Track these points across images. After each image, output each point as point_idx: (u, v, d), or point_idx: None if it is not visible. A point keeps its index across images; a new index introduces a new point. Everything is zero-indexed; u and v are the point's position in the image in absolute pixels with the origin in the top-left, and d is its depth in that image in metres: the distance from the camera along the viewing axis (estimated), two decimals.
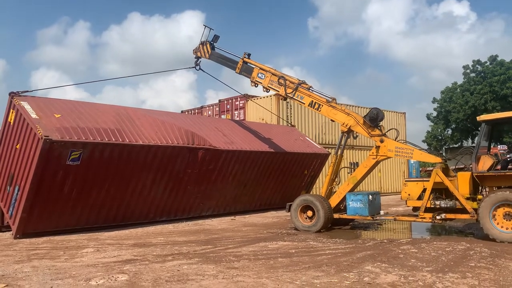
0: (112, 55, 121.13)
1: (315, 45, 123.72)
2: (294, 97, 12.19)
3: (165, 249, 8.91)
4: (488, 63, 45.22)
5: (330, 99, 11.79)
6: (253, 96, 22.97)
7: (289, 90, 12.23)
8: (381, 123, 11.01)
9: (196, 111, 26.03)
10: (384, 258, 7.52)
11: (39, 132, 9.94)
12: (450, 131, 52.81)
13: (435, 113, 52.71)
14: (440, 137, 52.34)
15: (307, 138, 18.71)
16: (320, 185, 21.00)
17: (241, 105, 23.22)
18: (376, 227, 12.35)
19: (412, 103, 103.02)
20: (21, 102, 10.63)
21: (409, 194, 10.39)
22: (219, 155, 13.97)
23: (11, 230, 12.33)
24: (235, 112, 23.31)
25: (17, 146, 10.76)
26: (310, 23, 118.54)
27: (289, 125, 19.66)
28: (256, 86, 13.35)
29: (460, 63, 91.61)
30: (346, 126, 11.28)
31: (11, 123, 10.98)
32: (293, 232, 11.08)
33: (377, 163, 11.06)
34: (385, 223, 12.76)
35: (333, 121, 11.87)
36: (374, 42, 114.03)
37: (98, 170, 11.11)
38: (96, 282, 6.17)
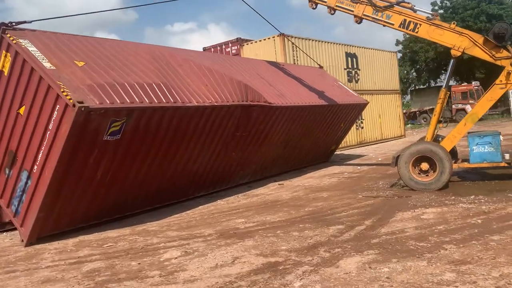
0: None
1: None
2: (377, 18, 9.44)
3: (282, 238, 6.25)
4: None
5: (432, 16, 9.09)
6: (247, 40, 19.75)
7: (369, 9, 9.47)
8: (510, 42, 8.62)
9: None
10: None
11: (65, 94, 6.44)
12: (414, 73, 52.39)
13: (399, 55, 51.72)
14: (405, 80, 51.58)
15: (340, 83, 16.03)
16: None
17: (234, 51, 19.90)
18: (484, 174, 10.12)
19: None
20: (20, 41, 6.95)
21: None
22: (272, 113, 11.07)
23: (4, 231, 9.11)
24: None
25: (20, 111, 7.20)
26: None
27: (318, 66, 16.77)
28: (314, 8, 10.37)
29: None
30: (459, 49, 8.81)
31: (5, 73, 7.26)
32: (400, 193, 8.78)
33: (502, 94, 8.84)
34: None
35: (438, 43, 9.23)
36: None
37: (141, 143, 7.90)
38: None
